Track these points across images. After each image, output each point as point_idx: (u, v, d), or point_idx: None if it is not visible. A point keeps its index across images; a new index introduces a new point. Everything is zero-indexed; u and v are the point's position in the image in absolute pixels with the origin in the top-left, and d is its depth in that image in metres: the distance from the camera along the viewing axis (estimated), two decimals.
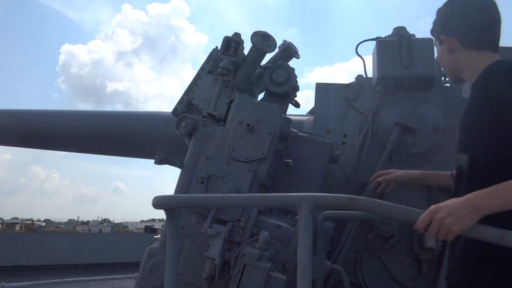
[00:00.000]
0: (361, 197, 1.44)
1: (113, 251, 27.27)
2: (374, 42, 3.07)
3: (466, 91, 3.46)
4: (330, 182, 3.05)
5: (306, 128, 3.32)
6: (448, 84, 3.81)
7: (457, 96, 3.15)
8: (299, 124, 3.41)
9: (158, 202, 1.76)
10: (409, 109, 2.85)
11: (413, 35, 3.02)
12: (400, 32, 3.01)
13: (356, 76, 3.26)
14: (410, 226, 1.53)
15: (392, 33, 3.12)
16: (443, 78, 3.83)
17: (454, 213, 1.33)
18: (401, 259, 2.92)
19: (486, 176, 1.50)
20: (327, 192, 3.03)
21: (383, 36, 3.13)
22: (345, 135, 3.12)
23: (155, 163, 2.57)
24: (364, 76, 3.16)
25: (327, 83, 3.29)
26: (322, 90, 3.27)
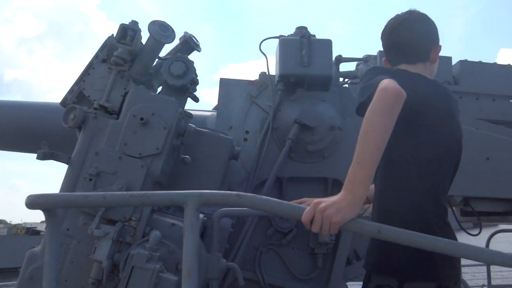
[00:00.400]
0: (248, 194, 1.41)
1: (10, 255, 24.85)
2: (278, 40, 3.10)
3: None
4: (231, 179, 3.03)
5: (210, 124, 3.26)
6: (346, 85, 4.00)
7: (354, 96, 3.30)
8: (203, 119, 3.34)
9: (32, 202, 1.57)
10: (307, 107, 2.92)
11: (314, 35, 3.10)
12: (302, 32, 3.07)
13: (260, 73, 3.27)
14: None
15: (294, 32, 3.17)
16: (341, 79, 4.01)
17: (335, 204, 1.35)
18: (298, 253, 3.00)
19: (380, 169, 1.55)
20: (228, 189, 3.04)
21: (287, 35, 3.18)
22: (247, 132, 3.12)
23: (38, 158, 2.32)
24: (267, 73, 3.18)
25: (231, 79, 3.25)
26: (226, 86, 3.23)
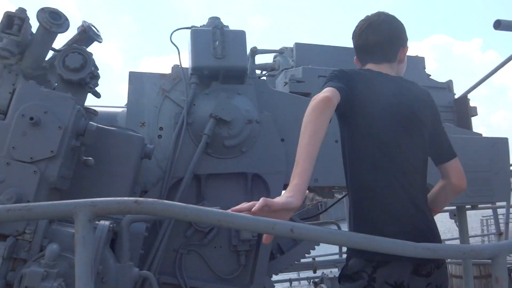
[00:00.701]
0: (149, 200, 1.26)
1: None
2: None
3: (279, 84, 3.61)
4: (146, 179, 2.84)
5: (121, 121, 3.03)
6: (265, 78, 3.95)
7: (271, 89, 3.24)
8: (113, 117, 3.09)
9: None
10: (223, 100, 2.81)
11: (227, 26, 2.99)
12: (214, 22, 2.95)
13: (172, 65, 3.10)
14: None
15: (207, 23, 3.04)
16: (259, 72, 3.95)
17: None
18: (220, 252, 2.89)
19: None
20: (144, 190, 2.85)
21: (199, 26, 3.03)
22: (161, 128, 2.93)
23: None
24: (180, 66, 3.01)
25: (142, 72, 3.04)
26: (136, 79, 3.01)
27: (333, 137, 3.19)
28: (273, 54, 4.12)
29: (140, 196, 2.80)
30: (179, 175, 2.78)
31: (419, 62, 4.21)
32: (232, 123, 2.80)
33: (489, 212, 8.67)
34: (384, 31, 1.84)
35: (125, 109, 3.13)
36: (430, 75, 4.27)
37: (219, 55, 2.84)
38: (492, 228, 8.84)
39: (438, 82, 4.24)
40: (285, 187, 3.04)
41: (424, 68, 4.21)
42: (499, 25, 4.01)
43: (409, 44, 1.93)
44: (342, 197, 4.26)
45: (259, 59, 4.15)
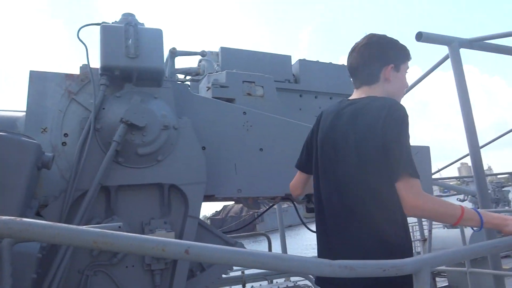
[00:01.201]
0: (25, 220, 1.00)
1: None
2: None
3: (203, 89, 3.42)
4: (47, 191, 2.50)
5: (21, 126, 2.67)
6: (188, 82, 3.74)
7: (191, 93, 3.04)
8: (12, 121, 2.73)
9: None
10: (136, 104, 2.56)
11: (142, 23, 2.76)
12: (128, 19, 2.70)
13: (80, 65, 2.79)
14: None
15: (120, 19, 2.78)
16: (184, 76, 3.73)
17: None
18: (132, 272, 2.61)
19: None
20: (44, 204, 2.50)
21: (110, 22, 2.77)
22: (66, 134, 2.61)
23: None
24: (88, 65, 2.72)
25: (44, 72, 2.70)
26: (38, 79, 2.67)
27: (257, 145, 3.05)
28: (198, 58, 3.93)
29: (39, 211, 2.46)
30: (84, 187, 2.47)
31: (345, 70, 4.21)
32: (146, 129, 2.56)
33: (414, 218, 9.01)
34: (364, 54, 1.88)
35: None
36: None
37: (132, 55, 2.60)
38: (418, 235, 9.19)
39: None
40: (205, 198, 2.83)
41: (350, 77, 4.22)
42: (420, 37, 4.13)
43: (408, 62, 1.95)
44: (269, 207, 4.13)
45: (184, 64, 3.94)
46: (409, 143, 1.66)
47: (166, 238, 1.09)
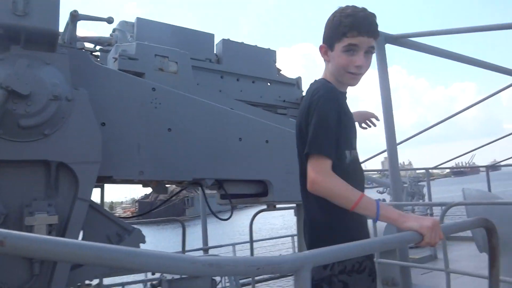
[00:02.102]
0: None
1: None
2: None
3: (110, 60, 3.12)
4: None
5: None
6: (98, 53, 3.41)
7: (94, 63, 2.74)
8: None
9: None
10: (21, 69, 2.22)
11: None
12: None
13: None
14: None
15: None
16: (94, 46, 3.39)
17: None
18: (9, 260, 2.30)
19: None
20: None
21: None
22: None
23: None
24: None
25: None
26: None
27: (166, 125, 2.83)
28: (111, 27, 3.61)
29: None
30: None
31: (270, 55, 4.09)
32: (31, 98, 2.24)
33: None
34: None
35: None
36: (280, 70, 4.19)
37: (19, 12, 2.25)
38: None
39: (287, 77, 4.18)
40: (101, 180, 2.58)
41: (275, 62, 4.11)
42: None
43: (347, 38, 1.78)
44: (176, 193, 3.94)
45: (99, 32, 3.58)
46: (327, 124, 1.67)
47: None
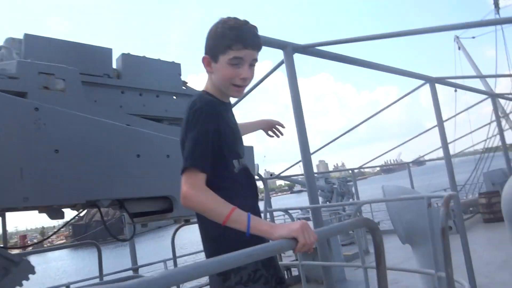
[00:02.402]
0: None
1: None
2: None
3: None
4: None
5: None
6: None
7: None
8: None
9: None
10: None
11: None
12: None
13: None
14: None
15: None
16: None
17: None
18: None
19: None
20: None
21: None
22: None
23: None
24: None
25: None
26: None
27: (52, 146, 2.69)
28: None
29: None
30: None
31: (175, 68, 4.05)
32: None
33: None
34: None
35: None
36: (187, 82, 4.17)
37: None
38: None
39: (195, 90, 4.16)
40: None
41: (180, 75, 4.08)
42: None
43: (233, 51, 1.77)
44: (74, 217, 3.76)
45: None
46: (203, 137, 1.66)
47: None
